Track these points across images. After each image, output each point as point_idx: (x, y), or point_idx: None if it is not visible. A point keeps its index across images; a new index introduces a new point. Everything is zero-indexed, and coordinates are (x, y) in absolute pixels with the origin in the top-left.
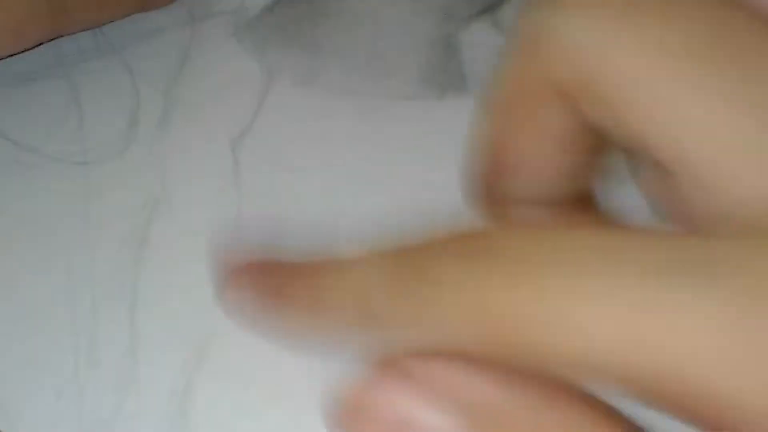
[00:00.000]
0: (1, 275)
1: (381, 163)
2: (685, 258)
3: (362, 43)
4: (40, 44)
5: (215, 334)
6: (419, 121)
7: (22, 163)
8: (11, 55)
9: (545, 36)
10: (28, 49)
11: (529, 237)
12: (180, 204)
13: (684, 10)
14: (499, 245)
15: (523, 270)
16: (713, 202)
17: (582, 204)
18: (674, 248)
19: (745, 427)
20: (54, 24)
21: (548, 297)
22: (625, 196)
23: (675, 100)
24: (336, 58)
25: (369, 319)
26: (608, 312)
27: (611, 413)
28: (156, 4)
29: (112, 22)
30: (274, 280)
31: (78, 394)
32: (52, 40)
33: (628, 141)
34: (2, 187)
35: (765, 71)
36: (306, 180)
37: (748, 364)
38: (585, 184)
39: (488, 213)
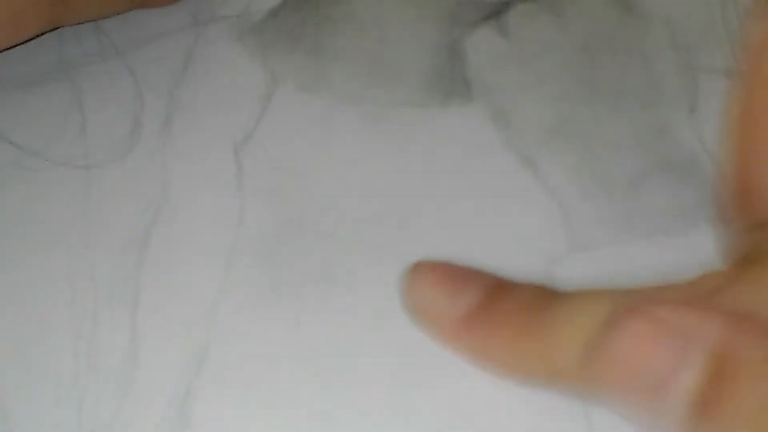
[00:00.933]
0: (1, 278)
1: (384, 170)
2: None
3: (367, 49)
4: (40, 35)
5: (216, 340)
6: (423, 127)
7: (25, 167)
8: (11, 47)
9: None
10: (28, 40)
11: None
12: (182, 208)
13: None
14: None
15: None
16: None
17: None
18: None
19: None
20: (53, 14)
21: None
22: None
23: None
24: (340, 63)
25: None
26: None
27: None
28: (158, 3)
29: (112, 15)
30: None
31: (78, 399)
32: (51, 30)
33: None
34: (4, 190)
35: None
36: (309, 185)
37: None
38: None
39: (738, 233)
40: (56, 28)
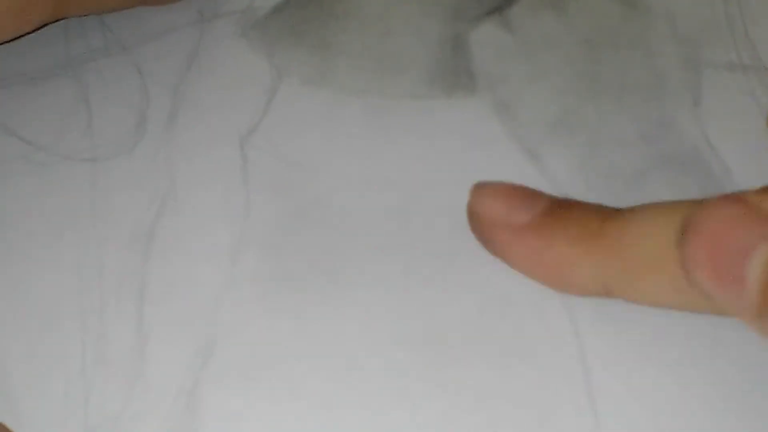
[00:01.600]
0: (9, 271)
1: (389, 162)
2: None
3: (371, 43)
4: (44, 26)
5: (222, 332)
6: (427, 120)
7: (31, 161)
8: (16, 38)
9: None
10: (33, 31)
11: None
12: (188, 201)
13: None
14: None
15: None
16: None
17: None
18: None
19: None
20: (57, 5)
21: None
22: None
23: None
24: (345, 57)
25: None
26: None
27: None
28: (161, 0)
29: (116, 10)
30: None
31: (85, 392)
32: (55, 21)
33: None
34: (12, 184)
35: None
36: (314, 178)
37: None
38: None
39: None
40: (60, 20)
